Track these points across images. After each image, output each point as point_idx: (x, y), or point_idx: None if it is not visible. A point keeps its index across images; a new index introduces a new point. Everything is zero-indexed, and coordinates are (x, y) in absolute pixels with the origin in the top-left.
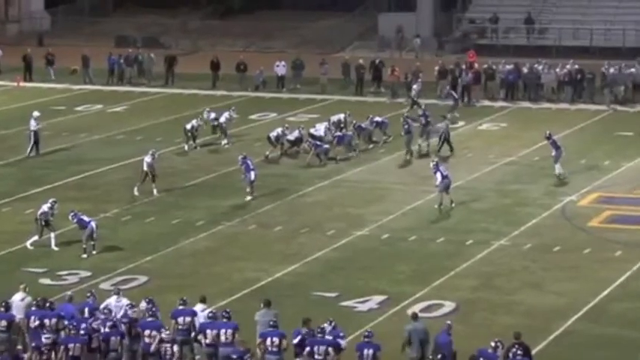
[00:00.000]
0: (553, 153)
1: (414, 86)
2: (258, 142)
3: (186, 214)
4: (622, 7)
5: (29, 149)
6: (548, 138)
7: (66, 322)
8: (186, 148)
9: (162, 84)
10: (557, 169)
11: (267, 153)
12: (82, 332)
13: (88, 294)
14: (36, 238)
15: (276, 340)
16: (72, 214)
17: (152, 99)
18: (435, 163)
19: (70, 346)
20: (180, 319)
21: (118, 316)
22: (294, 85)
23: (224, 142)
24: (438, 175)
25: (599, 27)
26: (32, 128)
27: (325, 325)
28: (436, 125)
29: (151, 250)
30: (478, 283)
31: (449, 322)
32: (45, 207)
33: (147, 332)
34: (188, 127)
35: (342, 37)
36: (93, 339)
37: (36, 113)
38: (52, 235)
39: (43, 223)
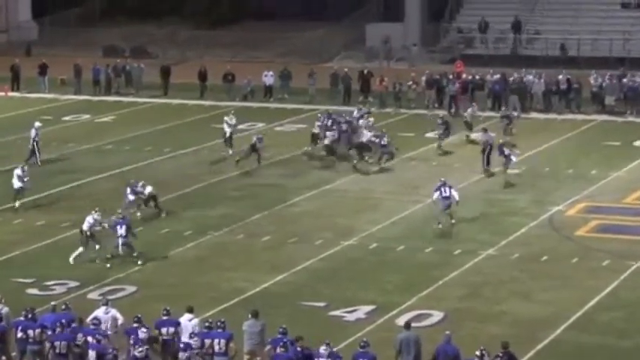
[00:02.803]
0: (503, 161)
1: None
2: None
3: (174, 224)
4: (609, 18)
5: (30, 158)
6: (500, 148)
7: (49, 333)
8: (230, 152)
9: (158, 94)
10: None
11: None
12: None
13: (63, 306)
14: (81, 250)
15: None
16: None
17: (140, 109)
18: (442, 181)
19: (57, 344)
20: (164, 330)
21: (107, 326)
22: (282, 94)
23: (231, 151)
24: (437, 194)
25: (586, 37)
26: (33, 138)
27: (322, 348)
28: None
29: (140, 260)
30: (466, 292)
31: (448, 332)
32: (90, 218)
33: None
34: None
35: (329, 47)
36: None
37: (37, 124)
38: (97, 247)
39: (89, 234)
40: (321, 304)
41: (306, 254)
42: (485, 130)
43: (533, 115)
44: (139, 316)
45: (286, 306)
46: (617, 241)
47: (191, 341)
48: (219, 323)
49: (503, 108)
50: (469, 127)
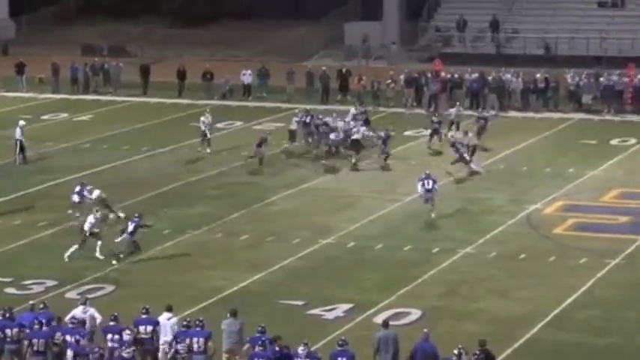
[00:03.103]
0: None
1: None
2: (224, 151)
3: (152, 223)
4: (586, 17)
5: (16, 157)
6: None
7: (27, 331)
8: (208, 151)
9: (136, 93)
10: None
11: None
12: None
13: (42, 305)
14: (75, 248)
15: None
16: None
17: (118, 108)
18: (426, 174)
19: (35, 341)
20: (142, 328)
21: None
22: (261, 93)
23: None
24: (419, 185)
25: (563, 36)
26: (17, 137)
27: (300, 348)
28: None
29: (118, 259)
30: (444, 290)
31: (426, 330)
32: (92, 218)
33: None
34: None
35: (308, 45)
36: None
37: (22, 122)
38: (98, 243)
39: (88, 234)
40: (300, 302)
41: (284, 253)
42: (466, 133)
43: (512, 113)
44: (116, 314)
45: (264, 305)
46: (594, 240)
47: (179, 346)
48: (197, 322)
49: (480, 109)
50: (456, 126)
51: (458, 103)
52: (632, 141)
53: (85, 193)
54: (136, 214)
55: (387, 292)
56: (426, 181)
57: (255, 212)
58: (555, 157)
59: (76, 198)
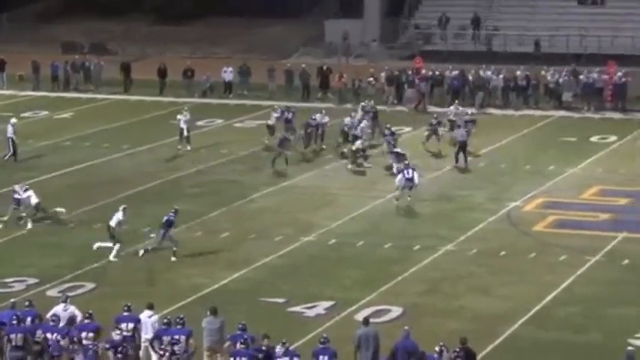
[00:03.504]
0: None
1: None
2: (204, 149)
3: (132, 221)
4: (565, 14)
5: (8, 155)
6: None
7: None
8: (188, 148)
9: (118, 91)
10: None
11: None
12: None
13: (27, 302)
14: (118, 247)
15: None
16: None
17: (99, 105)
18: (406, 164)
19: (12, 336)
20: (124, 325)
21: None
22: (242, 91)
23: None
24: (400, 175)
25: (544, 33)
26: (9, 135)
27: (277, 347)
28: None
29: (99, 257)
30: (425, 288)
31: (407, 327)
32: (120, 215)
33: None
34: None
35: (289, 43)
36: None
37: (13, 120)
38: (117, 247)
39: (112, 231)
40: (281, 300)
41: (265, 250)
42: (459, 127)
43: (492, 111)
44: (91, 312)
45: (245, 302)
46: (574, 237)
47: (176, 347)
48: (178, 320)
49: (452, 106)
50: (453, 124)
51: (457, 102)
52: (612, 138)
53: (18, 194)
54: (173, 209)
55: (368, 289)
56: (406, 171)
57: (235, 210)
58: (535, 155)
59: (16, 198)
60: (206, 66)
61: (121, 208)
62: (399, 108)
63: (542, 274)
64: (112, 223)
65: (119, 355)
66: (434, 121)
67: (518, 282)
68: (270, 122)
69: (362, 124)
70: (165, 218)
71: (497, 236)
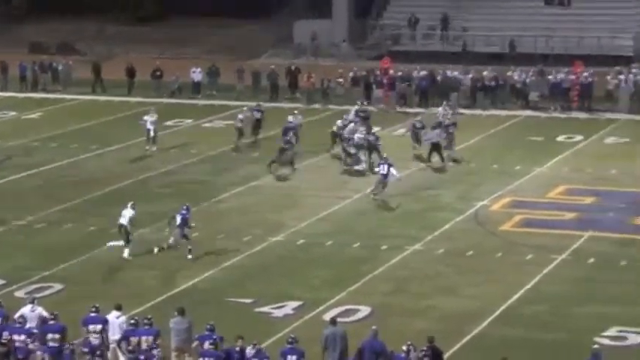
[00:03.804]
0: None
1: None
2: (173, 149)
3: (101, 222)
4: (533, 15)
5: None
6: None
7: None
8: (154, 149)
9: (86, 91)
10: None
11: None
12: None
13: None
14: (129, 246)
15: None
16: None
17: (67, 106)
18: (384, 159)
19: None
20: (91, 327)
21: (32, 324)
22: (210, 91)
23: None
24: (377, 169)
25: (511, 33)
26: None
27: (249, 348)
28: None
29: (67, 257)
30: (393, 287)
31: (374, 327)
32: (129, 212)
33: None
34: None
35: (258, 43)
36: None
37: None
38: (127, 248)
39: (125, 230)
40: (249, 300)
41: (234, 251)
42: (433, 128)
43: (460, 110)
44: (56, 313)
45: (214, 302)
46: (541, 236)
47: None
48: (145, 320)
49: (440, 108)
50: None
51: (445, 102)
52: (578, 138)
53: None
54: (185, 206)
55: (336, 289)
56: (381, 167)
57: (204, 210)
58: (502, 154)
59: None
60: (175, 66)
61: (129, 204)
62: (369, 108)
63: (509, 274)
64: (124, 221)
65: (97, 359)
66: (418, 124)
67: (486, 281)
68: (238, 124)
69: (349, 126)
70: (179, 217)
71: (465, 236)
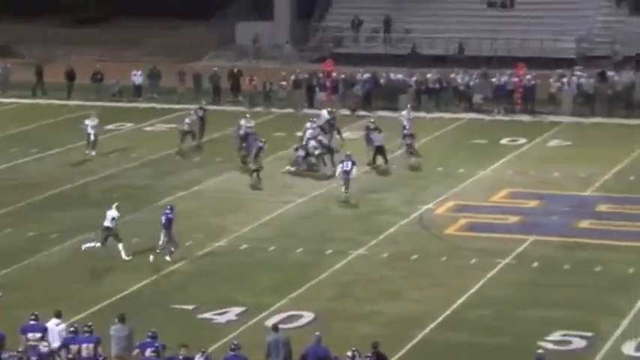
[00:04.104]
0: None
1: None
2: (114, 153)
3: (41, 227)
4: (476, 17)
5: None
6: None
7: None
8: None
9: (26, 94)
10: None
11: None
12: None
13: None
14: (120, 245)
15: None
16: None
17: (6, 109)
18: (347, 155)
19: None
20: (30, 335)
21: None
22: (151, 94)
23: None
24: (339, 167)
25: (455, 35)
26: None
27: (197, 356)
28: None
29: (5, 263)
30: (337, 292)
31: (318, 333)
32: (114, 212)
33: None
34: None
35: (199, 45)
36: None
37: None
38: (120, 245)
39: (108, 232)
40: (191, 306)
41: (176, 256)
42: (379, 131)
43: (403, 113)
44: None
45: (155, 309)
46: (485, 240)
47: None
48: (86, 328)
49: (404, 111)
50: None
51: (409, 106)
52: (522, 141)
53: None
54: (168, 206)
55: (279, 294)
56: (344, 163)
57: (146, 214)
58: (447, 157)
59: None
60: (115, 69)
61: (114, 206)
62: (309, 111)
63: (454, 278)
64: (108, 223)
65: None
66: (371, 125)
67: (430, 285)
68: (183, 128)
69: (308, 132)
70: (164, 218)
71: (410, 240)
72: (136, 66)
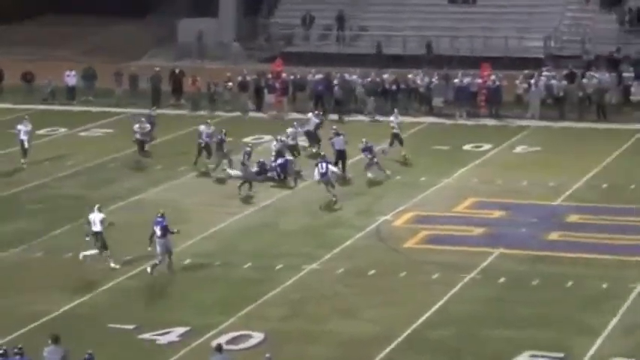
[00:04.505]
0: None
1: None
2: (46, 161)
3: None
4: (435, 13)
5: None
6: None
7: None
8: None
9: None
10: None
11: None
12: None
13: None
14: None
15: None
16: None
17: None
18: (322, 156)
19: None
20: None
21: None
22: (86, 96)
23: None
24: (315, 170)
25: (411, 34)
26: None
27: None
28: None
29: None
30: (288, 311)
31: (268, 355)
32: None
33: None
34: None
35: (137, 44)
36: None
37: None
38: (107, 253)
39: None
40: (131, 326)
41: (114, 272)
42: (338, 135)
43: (358, 117)
44: None
45: (92, 329)
46: (448, 253)
47: None
48: (16, 350)
49: (392, 116)
50: (398, 137)
51: (396, 110)
52: (487, 146)
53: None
54: (159, 212)
55: (226, 313)
56: (320, 165)
57: (80, 227)
58: (406, 165)
59: None
60: (47, 69)
61: (95, 208)
62: (257, 115)
63: (414, 294)
64: (98, 228)
65: None
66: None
67: (388, 303)
68: (137, 136)
69: (274, 145)
70: (158, 226)
71: (366, 254)
72: (70, 66)
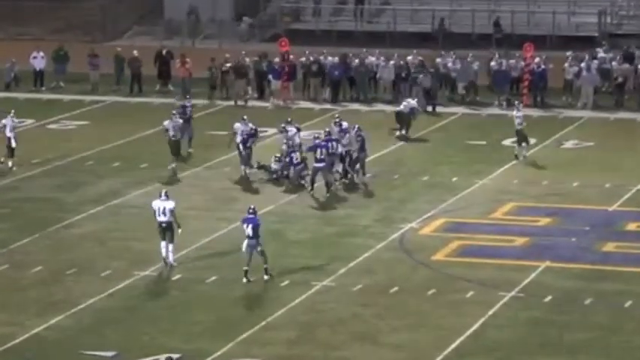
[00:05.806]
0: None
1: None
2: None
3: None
4: None
5: None
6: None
7: None
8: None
9: None
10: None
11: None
12: None
13: None
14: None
15: None
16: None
17: None
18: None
19: None
20: None
21: None
22: (57, 82)
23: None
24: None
25: (444, 8)
26: None
27: None
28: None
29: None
30: (296, 335)
31: None
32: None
33: None
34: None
35: (117, 20)
36: None
37: None
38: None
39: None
40: (109, 353)
41: (90, 289)
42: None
43: (379, 106)
44: None
45: (64, 356)
46: (484, 267)
47: None
48: None
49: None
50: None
51: (516, 102)
52: (530, 141)
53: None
54: (250, 208)
55: (223, 338)
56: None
57: (50, 237)
58: (435, 163)
59: None
60: (9, 50)
61: (163, 192)
62: (260, 104)
63: (445, 316)
64: (163, 217)
65: None
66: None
67: (414, 326)
68: (170, 136)
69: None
70: (250, 225)
71: (388, 268)
72: (37, 46)
